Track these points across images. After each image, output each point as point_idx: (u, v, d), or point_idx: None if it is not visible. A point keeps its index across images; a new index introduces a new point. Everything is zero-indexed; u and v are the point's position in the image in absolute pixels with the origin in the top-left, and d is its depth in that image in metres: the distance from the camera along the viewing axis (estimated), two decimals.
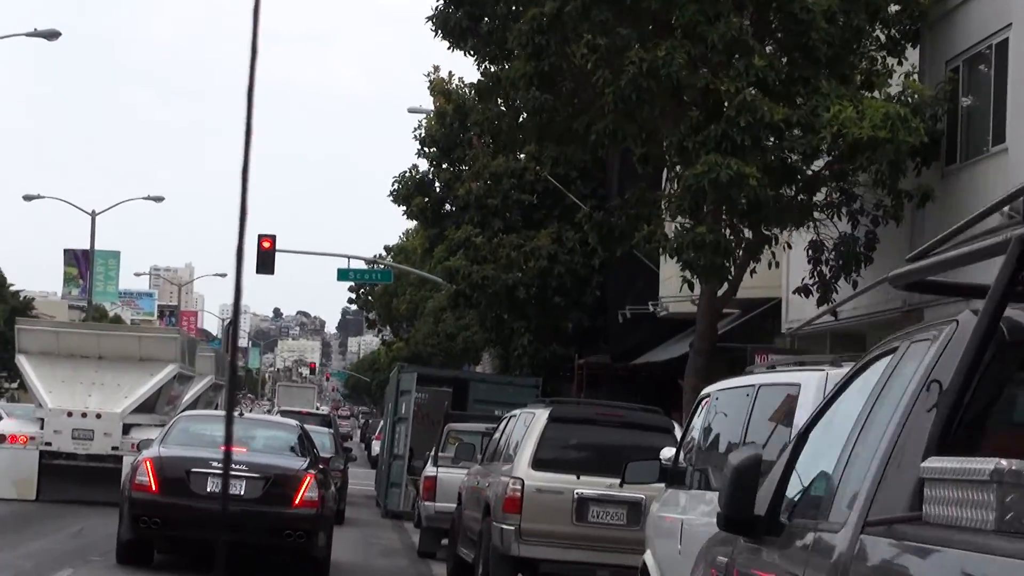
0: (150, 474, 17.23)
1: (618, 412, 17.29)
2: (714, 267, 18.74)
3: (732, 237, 19.10)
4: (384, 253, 76.06)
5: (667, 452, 12.55)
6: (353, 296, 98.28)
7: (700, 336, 20.09)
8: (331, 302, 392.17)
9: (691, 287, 19.82)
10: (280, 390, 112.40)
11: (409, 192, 42.09)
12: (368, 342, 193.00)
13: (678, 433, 14.55)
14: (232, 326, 8.92)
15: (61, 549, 19.83)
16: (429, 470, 24.89)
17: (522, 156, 38.34)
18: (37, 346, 28.67)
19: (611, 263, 37.03)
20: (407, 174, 42.43)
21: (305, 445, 19.38)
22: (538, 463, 16.08)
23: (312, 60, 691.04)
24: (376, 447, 66.99)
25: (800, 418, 8.47)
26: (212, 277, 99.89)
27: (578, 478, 15.94)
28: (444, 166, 42.05)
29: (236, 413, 22.16)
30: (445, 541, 22.03)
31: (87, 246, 61.91)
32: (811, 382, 9.38)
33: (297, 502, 17.34)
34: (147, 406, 28.32)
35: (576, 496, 15.89)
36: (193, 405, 35.61)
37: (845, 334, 22.87)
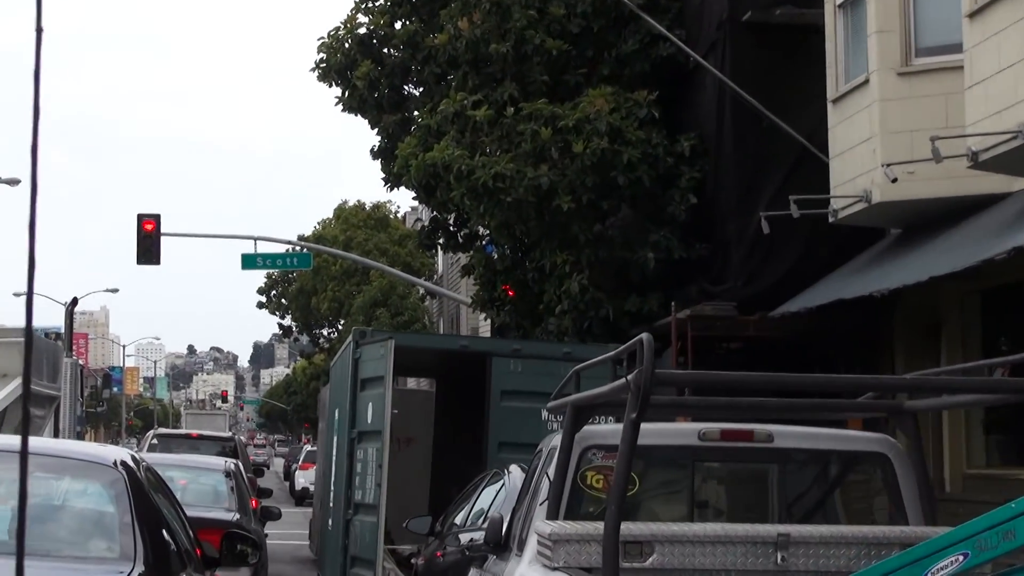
0: None
1: None
2: None
3: None
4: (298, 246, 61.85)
5: None
6: (263, 300, 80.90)
7: None
8: (243, 339, 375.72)
9: None
10: (188, 418, 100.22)
11: (348, 59, 25.04)
12: (279, 373, 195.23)
13: None
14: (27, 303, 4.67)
15: None
16: None
17: None
18: None
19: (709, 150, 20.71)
20: (340, 31, 25.42)
21: (129, 524, 6.21)
22: None
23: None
24: (301, 479, 50.67)
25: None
26: (104, 293, 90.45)
27: None
28: (399, 25, 25.31)
29: None
30: None
31: None
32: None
33: None
34: None
35: None
36: None
37: None
